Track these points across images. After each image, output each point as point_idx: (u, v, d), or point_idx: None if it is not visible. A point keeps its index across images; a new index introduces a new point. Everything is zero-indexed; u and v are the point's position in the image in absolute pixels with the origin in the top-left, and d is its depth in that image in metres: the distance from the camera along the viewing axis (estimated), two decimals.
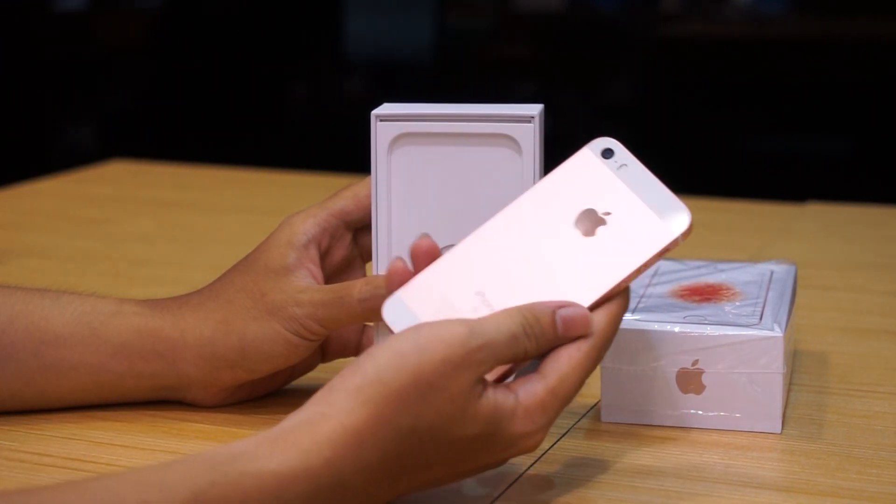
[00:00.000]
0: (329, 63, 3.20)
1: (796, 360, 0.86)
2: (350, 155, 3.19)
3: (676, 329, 0.74)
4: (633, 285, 0.82)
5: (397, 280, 0.65)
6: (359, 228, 0.77)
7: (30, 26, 3.19)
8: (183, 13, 3.16)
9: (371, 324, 0.77)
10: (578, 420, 0.77)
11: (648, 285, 0.82)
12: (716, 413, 0.74)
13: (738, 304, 0.78)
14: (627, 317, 0.75)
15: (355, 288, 0.72)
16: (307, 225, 0.75)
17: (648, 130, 2.92)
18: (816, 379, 0.83)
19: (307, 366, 0.80)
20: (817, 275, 1.07)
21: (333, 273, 0.77)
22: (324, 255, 0.76)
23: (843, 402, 0.79)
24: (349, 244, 0.77)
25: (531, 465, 0.70)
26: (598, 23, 3.02)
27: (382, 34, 3.14)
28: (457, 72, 3.11)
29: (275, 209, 1.34)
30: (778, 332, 0.73)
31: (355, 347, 0.79)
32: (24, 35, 3.17)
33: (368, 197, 0.75)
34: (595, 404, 0.78)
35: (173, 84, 3.20)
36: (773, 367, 0.73)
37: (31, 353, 0.75)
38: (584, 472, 0.69)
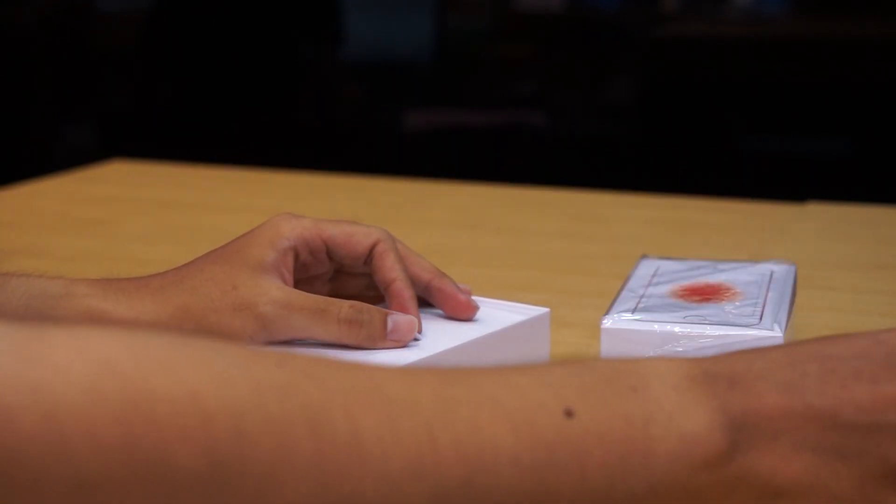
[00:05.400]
0: (328, 63, 3.20)
1: None
2: (349, 154, 3.20)
3: (676, 329, 0.74)
4: (634, 285, 0.82)
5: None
6: (343, 272, 0.77)
7: (28, 24, 3.19)
8: (182, 13, 3.16)
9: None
10: None
11: (648, 285, 0.82)
12: None
13: (738, 304, 0.78)
14: (628, 316, 0.75)
15: (343, 306, 0.71)
16: (295, 231, 0.74)
17: (648, 130, 2.92)
18: None
19: None
20: (817, 275, 1.07)
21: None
22: (299, 268, 0.75)
23: None
24: (326, 266, 0.76)
25: None
26: (598, 23, 3.02)
27: (382, 34, 3.14)
28: (457, 72, 3.11)
29: (275, 209, 1.33)
30: (778, 332, 0.73)
31: None
32: (24, 34, 3.16)
33: (361, 244, 0.75)
34: None
35: (174, 84, 3.20)
36: None
37: None
38: None
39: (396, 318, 0.72)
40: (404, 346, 0.73)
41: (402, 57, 3.14)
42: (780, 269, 0.85)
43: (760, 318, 0.75)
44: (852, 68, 2.75)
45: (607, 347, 0.75)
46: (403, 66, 3.14)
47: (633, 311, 0.76)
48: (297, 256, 0.74)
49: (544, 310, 0.81)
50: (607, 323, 0.75)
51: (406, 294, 0.75)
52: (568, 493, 0.46)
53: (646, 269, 0.86)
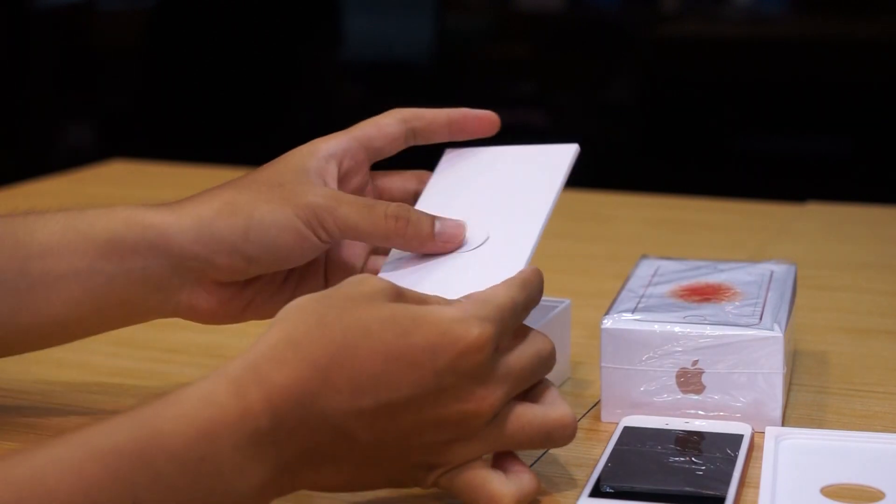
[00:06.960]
0: (328, 63, 3.20)
1: (796, 360, 0.86)
2: None
3: (676, 329, 0.74)
4: (634, 285, 0.82)
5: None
6: (379, 172, 0.78)
7: (28, 24, 3.19)
8: (182, 13, 3.16)
9: (376, 255, 0.78)
10: (578, 420, 0.77)
11: (648, 285, 0.82)
12: (715, 413, 0.74)
13: (738, 304, 0.78)
14: (628, 316, 0.75)
15: (391, 204, 0.72)
16: (329, 144, 0.75)
17: (648, 130, 2.92)
18: (816, 379, 0.83)
19: (310, 288, 0.77)
20: (817, 275, 1.07)
21: None
22: (342, 178, 0.76)
23: (843, 402, 0.79)
24: (366, 175, 0.77)
25: (531, 466, 0.70)
26: (597, 23, 3.02)
27: (382, 34, 3.14)
28: (457, 72, 3.11)
29: None
30: (778, 332, 0.73)
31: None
32: (23, 33, 3.17)
33: (391, 125, 0.77)
34: (595, 404, 0.78)
35: (173, 84, 3.20)
36: (773, 366, 0.73)
37: (18, 272, 0.72)
38: (584, 472, 0.69)
39: (444, 221, 0.73)
40: (454, 249, 0.73)
41: (402, 57, 3.14)
42: (780, 269, 0.85)
43: (760, 318, 0.75)
44: (852, 68, 2.75)
45: (607, 347, 0.75)
46: (403, 66, 3.14)
47: (633, 311, 0.76)
48: (339, 165, 0.75)
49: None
50: (607, 323, 0.75)
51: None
52: None
53: (646, 269, 0.86)
